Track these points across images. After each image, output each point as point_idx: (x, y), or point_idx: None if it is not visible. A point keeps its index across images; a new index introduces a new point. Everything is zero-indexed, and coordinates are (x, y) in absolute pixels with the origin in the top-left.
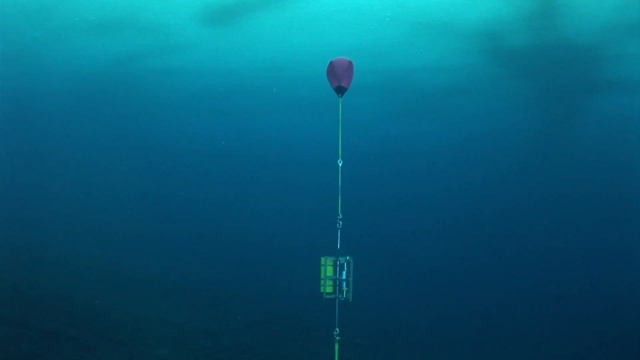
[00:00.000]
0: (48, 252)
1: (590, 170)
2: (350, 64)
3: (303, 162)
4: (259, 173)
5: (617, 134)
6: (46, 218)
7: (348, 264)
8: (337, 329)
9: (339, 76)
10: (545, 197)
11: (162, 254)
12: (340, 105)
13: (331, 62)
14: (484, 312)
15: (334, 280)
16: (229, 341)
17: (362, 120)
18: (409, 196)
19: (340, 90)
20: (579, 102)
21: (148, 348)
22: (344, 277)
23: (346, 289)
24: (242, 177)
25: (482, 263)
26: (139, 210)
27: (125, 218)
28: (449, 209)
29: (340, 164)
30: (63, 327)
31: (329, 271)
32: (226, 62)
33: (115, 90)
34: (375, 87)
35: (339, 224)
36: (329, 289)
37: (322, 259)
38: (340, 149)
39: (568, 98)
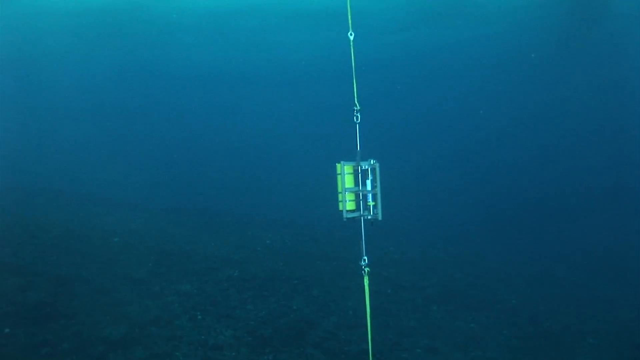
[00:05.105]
0: (63, 192)
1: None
2: None
3: (312, 74)
4: (270, 89)
5: None
6: (57, 152)
7: (373, 170)
8: (366, 258)
9: None
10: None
11: (182, 183)
12: None
13: None
14: (522, 214)
15: (356, 194)
16: (257, 269)
17: (376, 30)
18: (433, 96)
19: None
20: None
21: (170, 284)
22: (369, 188)
23: (373, 203)
24: (254, 95)
25: (513, 163)
26: (154, 138)
27: (140, 147)
28: (476, 107)
29: (351, 37)
30: (76, 270)
31: (349, 181)
32: None
33: (120, 19)
34: None
35: (357, 117)
36: (350, 206)
37: (338, 165)
38: (349, 17)
39: None
